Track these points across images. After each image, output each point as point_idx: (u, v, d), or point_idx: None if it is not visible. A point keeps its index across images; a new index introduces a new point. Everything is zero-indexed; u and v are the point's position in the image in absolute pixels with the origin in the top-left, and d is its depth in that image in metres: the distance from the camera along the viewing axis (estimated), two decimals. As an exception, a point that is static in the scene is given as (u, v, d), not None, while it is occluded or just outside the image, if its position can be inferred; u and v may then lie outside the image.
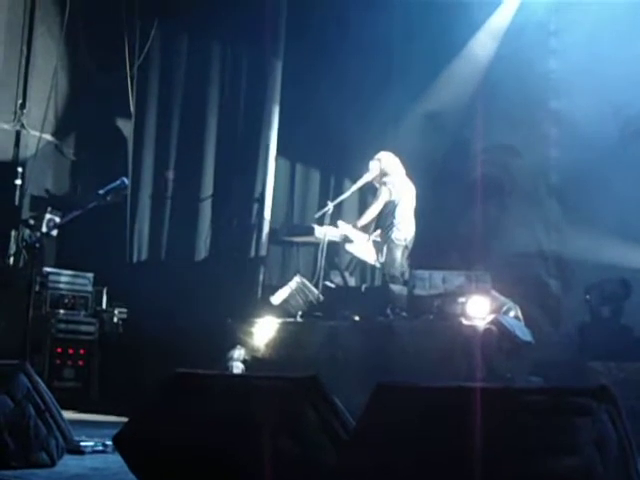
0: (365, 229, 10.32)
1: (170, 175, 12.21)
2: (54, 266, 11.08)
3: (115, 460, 5.19)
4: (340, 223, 10.18)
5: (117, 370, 10.50)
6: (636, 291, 9.49)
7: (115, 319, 11.19)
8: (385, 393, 3.97)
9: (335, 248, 10.50)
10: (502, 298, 9.18)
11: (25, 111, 11.86)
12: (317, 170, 12.40)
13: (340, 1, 11.66)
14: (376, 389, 3.98)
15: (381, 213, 10.24)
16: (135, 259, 12.00)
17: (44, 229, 10.72)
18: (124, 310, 11.31)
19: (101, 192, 7.00)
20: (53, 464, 5.32)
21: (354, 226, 10.23)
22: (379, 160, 10.26)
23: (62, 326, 10.56)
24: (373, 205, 10.27)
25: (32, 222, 11.15)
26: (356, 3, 11.28)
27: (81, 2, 11.98)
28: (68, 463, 5.50)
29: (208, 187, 12.09)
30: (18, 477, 5.01)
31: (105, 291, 11.24)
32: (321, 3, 11.94)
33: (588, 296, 9.64)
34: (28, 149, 11.89)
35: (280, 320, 9.67)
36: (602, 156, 10.29)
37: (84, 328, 10.76)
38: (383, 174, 10.23)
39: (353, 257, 10.80)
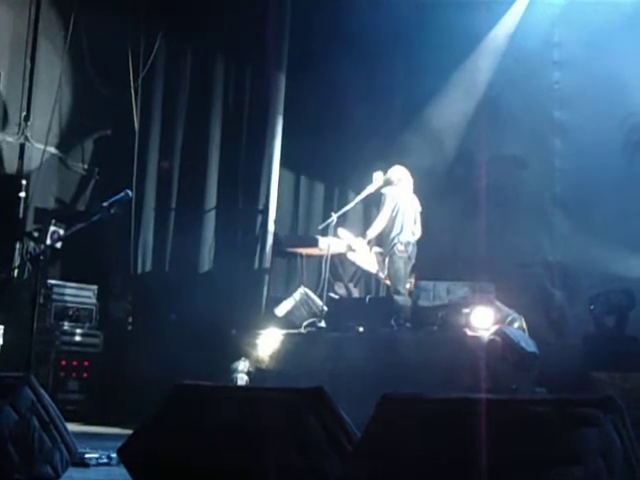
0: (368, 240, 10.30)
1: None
2: (58, 278, 11.08)
3: (119, 472, 5.19)
4: (340, 231, 10.15)
5: (121, 382, 10.49)
6: (640, 301, 9.47)
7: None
8: (390, 404, 3.96)
9: (339, 259, 10.50)
10: (506, 309, 9.17)
11: (29, 124, 11.84)
12: (321, 182, 12.40)
13: (343, 14, 11.68)
14: (381, 401, 3.97)
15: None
16: (139, 271, 12.00)
17: (48, 241, 10.70)
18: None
19: (105, 204, 6.97)
20: (57, 477, 5.29)
21: (365, 240, 10.19)
22: (383, 171, 10.24)
23: (66, 338, 10.53)
24: (380, 215, 10.16)
25: (36, 234, 11.13)
26: (359, 16, 11.28)
27: (85, 15, 11.99)
28: (72, 476, 5.48)
29: (212, 199, 12.10)
30: (22, 490, 5.00)
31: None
32: (324, 16, 11.96)
33: (592, 306, 9.61)
34: (32, 162, 11.88)
35: (284, 332, 9.68)
36: (606, 166, 10.30)
37: (88, 340, 10.74)
38: (387, 183, 10.18)
39: (357, 268, 10.80)
